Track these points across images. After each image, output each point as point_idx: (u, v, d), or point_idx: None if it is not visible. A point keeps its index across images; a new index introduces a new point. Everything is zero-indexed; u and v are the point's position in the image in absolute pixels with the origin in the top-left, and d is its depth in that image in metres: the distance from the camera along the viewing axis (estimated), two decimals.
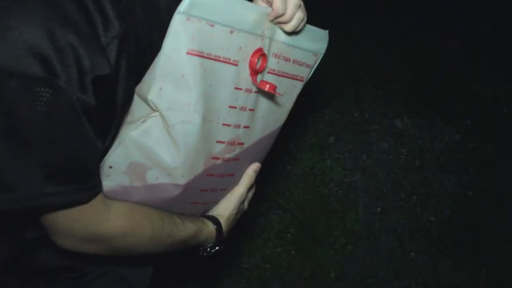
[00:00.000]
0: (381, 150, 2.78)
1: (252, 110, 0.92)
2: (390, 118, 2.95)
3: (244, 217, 1.13)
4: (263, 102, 0.95)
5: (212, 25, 0.77)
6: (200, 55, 0.77)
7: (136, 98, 0.81)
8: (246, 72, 0.86)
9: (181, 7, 0.73)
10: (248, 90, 0.89)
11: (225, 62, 0.82)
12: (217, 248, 1.01)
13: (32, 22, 0.63)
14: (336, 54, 3.32)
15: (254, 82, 0.87)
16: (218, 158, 0.91)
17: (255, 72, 0.87)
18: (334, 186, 2.58)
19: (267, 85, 0.86)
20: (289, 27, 0.87)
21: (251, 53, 0.85)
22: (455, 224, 2.50)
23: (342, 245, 2.36)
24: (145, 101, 0.80)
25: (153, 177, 0.84)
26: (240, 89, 0.87)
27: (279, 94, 0.93)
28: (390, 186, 2.61)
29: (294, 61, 0.96)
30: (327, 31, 1.01)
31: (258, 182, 1.10)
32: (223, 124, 0.88)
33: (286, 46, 0.93)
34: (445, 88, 3.31)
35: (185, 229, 0.91)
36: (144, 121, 0.81)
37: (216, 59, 0.80)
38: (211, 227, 0.98)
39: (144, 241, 0.84)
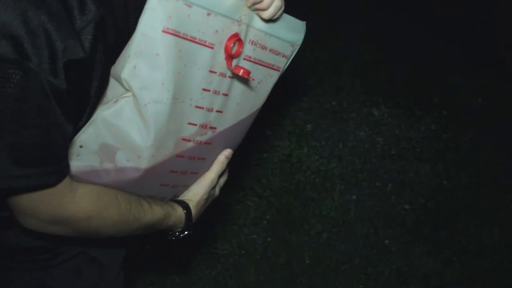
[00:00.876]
0: (358, 138, 2.80)
1: (225, 95, 0.93)
2: (368, 107, 2.97)
3: (220, 203, 1.14)
4: (238, 88, 0.96)
5: (189, 6, 0.78)
6: (176, 34, 0.78)
7: (110, 79, 0.82)
8: (221, 56, 0.87)
9: None
10: (223, 74, 0.90)
11: (200, 44, 0.83)
12: (185, 233, 1.00)
13: (4, 2, 0.63)
14: (316, 42, 3.34)
15: (228, 66, 0.88)
16: (189, 140, 0.92)
17: (230, 56, 0.88)
18: (310, 174, 2.60)
19: (241, 70, 0.87)
20: (266, 14, 0.89)
21: (227, 37, 0.86)
22: (430, 212, 2.53)
23: (318, 232, 2.39)
24: (119, 80, 0.80)
25: (123, 158, 0.85)
26: (215, 72, 0.88)
27: (253, 79, 0.94)
28: (366, 174, 2.63)
29: (270, 50, 0.97)
30: (304, 22, 1.03)
31: (234, 168, 1.11)
32: (196, 106, 0.89)
33: (263, 34, 0.94)
34: (425, 80, 3.34)
35: (153, 213, 0.91)
36: (116, 101, 0.81)
37: (192, 40, 0.81)
38: (180, 212, 0.98)
39: (110, 224, 0.84)
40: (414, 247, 2.40)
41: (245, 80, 0.96)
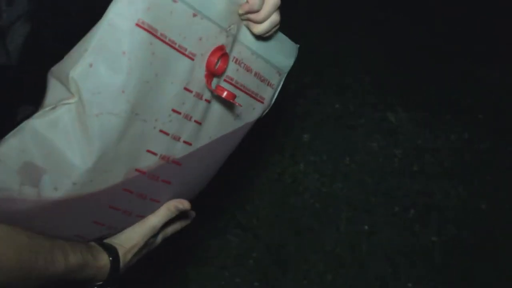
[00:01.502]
0: (369, 151, 2.81)
1: (198, 123, 0.95)
2: (380, 111, 2.99)
3: (192, 237, 1.14)
4: (214, 117, 0.98)
5: (174, 0, 0.80)
6: (152, 32, 0.79)
7: (50, 80, 0.81)
8: (201, 71, 0.88)
9: None
10: (199, 95, 0.91)
11: (179, 51, 0.84)
12: None
13: None
14: (316, 30, 3.35)
15: (208, 86, 0.89)
16: (143, 173, 0.92)
17: (211, 74, 0.89)
18: (309, 198, 2.61)
19: (225, 92, 0.88)
20: (259, 28, 0.91)
21: (211, 49, 0.87)
22: (465, 245, 2.55)
23: (320, 273, 2.39)
24: (63, 81, 0.80)
25: (49, 186, 0.83)
26: (190, 91, 0.89)
27: (240, 105, 0.96)
28: (380, 197, 2.65)
29: (255, 74, 1.00)
30: (297, 46, 1.06)
31: (211, 192, 1.10)
32: (160, 131, 0.89)
33: (250, 53, 0.97)
34: (452, 74, 3.35)
35: (66, 265, 0.89)
36: (54, 108, 0.80)
37: (170, 44, 0.82)
38: (104, 261, 0.97)
39: (3, 279, 0.81)
40: None
41: (224, 109, 0.97)
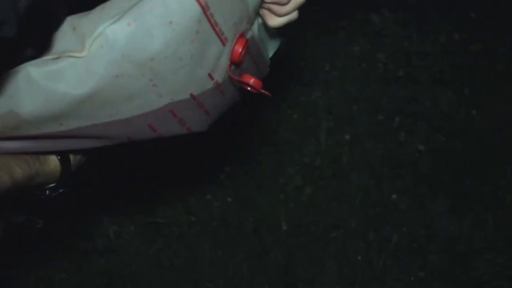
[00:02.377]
0: (351, 56, 2.77)
1: (207, 113, 0.96)
2: (364, 12, 2.92)
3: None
4: (222, 106, 1.00)
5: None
6: (205, 9, 0.79)
7: (65, 27, 0.81)
8: (226, 60, 0.89)
9: None
10: (217, 85, 0.92)
11: (218, 35, 0.84)
12: (61, 191, 1.05)
13: None
14: None
15: (230, 74, 0.91)
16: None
17: (232, 62, 0.91)
18: (286, 108, 2.58)
19: (252, 79, 0.90)
20: (277, 22, 0.93)
21: (236, 35, 0.89)
22: (454, 154, 2.52)
23: (298, 187, 2.39)
24: (81, 33, 0.79)
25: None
26: (212, 79, 0.90)
27: (269, 94, 0.96)
28: (363, 105, 2.62)
29: (255, 63, 1.02)
30: (280, 41, 1.11)
31: None
32: (169, 111, 0.90)
33: (255, 42, 0.98)
34: None
35: (11, 179, 0.92)
36: (56, 58, 0.79)
37: (214, 26, 0.82)
38: (54, 162, 1.01)
39: None
40: (432, 203, 2.39)
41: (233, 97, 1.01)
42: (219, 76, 0.91)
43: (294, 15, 0.96)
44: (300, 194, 2.36)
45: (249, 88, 0.92)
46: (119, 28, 0.77)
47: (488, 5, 3.00)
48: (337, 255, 2.24)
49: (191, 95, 0.90)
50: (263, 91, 0.93)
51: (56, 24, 0.81)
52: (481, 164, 2.50)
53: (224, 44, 0.87)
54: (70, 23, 0.81)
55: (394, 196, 2.38)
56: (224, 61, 0.90)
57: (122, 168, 2.32)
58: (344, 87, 2.66)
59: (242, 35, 0.90)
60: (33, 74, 0.80)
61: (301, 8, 2.83)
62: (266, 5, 0.92)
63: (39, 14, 0.75)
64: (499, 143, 2.56)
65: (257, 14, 0.95)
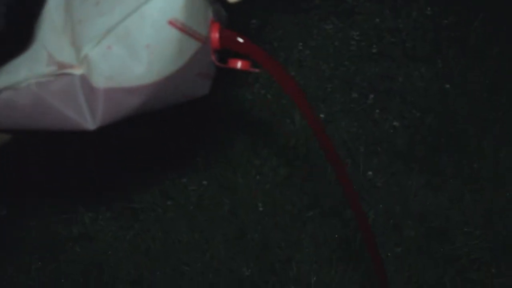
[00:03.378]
0: (324, 34, 2.79)
1: None
2: None
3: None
4: None
5: None
6: (184, 29, 0.79)
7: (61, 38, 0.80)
8: (208, 52, 0.90)
9: None
10: (207, 76, 0.92)
11: (200, 40, 0.85)
12: None
13: None
14: None
15: (216, 62, 0.90)
16: None
17: (213, 50, 0.91)
18: (260, 88, 2.60)
19: (239, 63, 0.90)
20: None
21: (208, 25, 0.89)
22: (428, 129, 2.55)
23: (273, 168, 2.40)
24: (75, 47, 0.79)
25: None
26: (201, 74, 0.90)
27: (257, 70, 0.95)
28: (337, 83, 2.64)
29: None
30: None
31: None
32: None
33: None
34: None
35: None
36: (55, 76, 0.79)
37: (197, 37, 0.83)
38: None
39: None
40: (408, 179, 2.41)
41: None
42: (206, 69, 0.93)
43: None
44: (276, 175, 2.38)
45: (239, 67, 0.90)
46: (100, 51, 0.78)
47: None
48: (314, 234, 2.26)
49: (184, 97, 0.93)
50: (251, 69, 0.90)
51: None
52: (456, 139, 2.52)
53: (204, 42, 0.88)
54: (65, 21, 0.81)
55: (369, 173, 2.40)
56: (207, 55, 0.91)
57: (97, 154, 2.34)
58: (317, 66, 2.68)
59: (212, 20, 0.90)
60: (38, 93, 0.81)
61: None
62: None
63: (28, 7, 0.76)
64: (474, 117, 2.58)
65: None
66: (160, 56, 0.79)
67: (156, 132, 2.45)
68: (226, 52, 0.90)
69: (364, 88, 2.64)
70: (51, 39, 0.81)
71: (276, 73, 0.93)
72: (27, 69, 0.80)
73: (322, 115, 2.53)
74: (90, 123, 0.81)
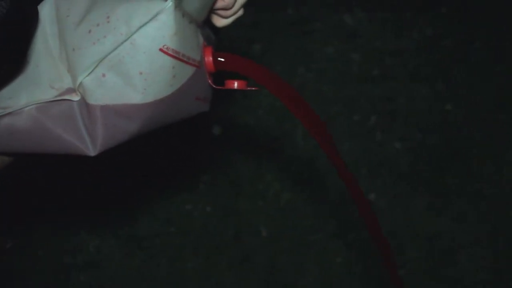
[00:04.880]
0: (326, 57, 2.80)
1: None
2: (338, 13, 2.95)
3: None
4: None
5: (190, 21, 0.83)
6: (176, 56, 0.81)
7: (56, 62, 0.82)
8: (205, 76, 0.92)
9: None
10: (200, 99, 0.94)
11: (194, 65, 0.86)
12: None
13: None
14: None
15: (213, 85, 0.93)
16: None
17: (209, 73, 0.93)
18: (262, 113, 2.61)
19: (235, 84, 0.93)
20: (224, 22, 0.96)
21: (201, 49, 0.90)
22: (431, 150, 2.57)
23: (276, 192, 2.42)
24: (71, 73, 0.81)
25: None
26: (199, 99, 0.93)
27: (256, 88, 0.98)
28: (339, 105, 2.65)
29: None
30: None
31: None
32: None
33: None
34: None
35: None
36: (51, 101, 0.81)
37: (190, 62, 0.84)
38: None
39: None
40: (412, 200, 2.44)
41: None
42: (204, 93, 0.95)
43: (240, 13, 0.98)
44: (279, 199, 2.39)
45: (236, 88, 0.94)
46: (95, 79, 0.80)
47: (458, 0, 3.05)
48: (318, 258, 2.28)
49: (184, 117, 0.94)
50: (249, 88, 0.95)
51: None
52: (459, 159, 2.55)
53: (198, 66, 0.89)
54: (60, 48, 0.83)
55: (372, 195, 2.42)
56: (204, 78, 0.93)
57: (100, 181, 2.37)
58: (319, 89, 2.70)
59: (204, 44, 0.93)
60: (39, 118, 0.83)
61: (274, 12, 2.90)
62: (213, 11, 0.96)
63: (18, 20, 0.74)
64: (476, 137, 2.61)
65: None
66: (154, 82, 0.80)
67: (160, 160, 2.48)
68: (223, 74, 0.92)
69: (366, 110, 2.66)
70: (49, 65, 0.82)
71: (273, 84, 0.97)
72: (27, 94, 0.82)
73: None
74: (91, 150, 0.83)
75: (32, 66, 0.82)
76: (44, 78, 0.82)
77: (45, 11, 0.83)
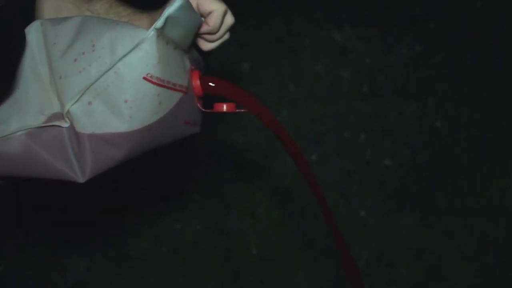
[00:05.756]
0: (315, 74, 2.81)
1: None
2: (326, 29, 2.97)
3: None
4: None
5: (175, 47, 0.84)
6: (161, 84, 0.82)
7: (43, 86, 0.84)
8: (193, 100, 0.93)
9: (158, 23, 0.79)
10: (189, 123, 0.95)
11: (181, 91, 0.87)
12: None
13: None
14: None
15: (203, 109, 0.96)
16: None
17: (198, 97, 0.95)
18: (252, 131, 2.62)
19: (224, 106, 0.95)
20: (209, 46, 0.99)
21: (189, 74, 0.91)
22: (421, 167, 2.60)
23: (266, 210, 2.44)
24: (60, 101, 0.82)
25: None
26: (188, 123, 0.94)
27: (244, 110, 1.02)
28: (329, 123, 2.67)
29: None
30: None
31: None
32: None
33: None
34: None
35: None
36: (41, 127, 0.83)
37: (175, 88, 0.85)
38: None
39: None
40: (402, 217, 2.47)
41: None
42: (193, 117, 0.95)
43: (226, 37, 1.00)
44: (269, 217, 2.41)
45: (224, 110, 0.96)
46: (81, 106, 0.81)
47: (447, 16, 3.08)
48: (309, 276, 2.30)
49: (174, 140, 0.95)
50: (237, 110, 0.97)
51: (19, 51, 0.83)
52: (449, 176, 2.58)
53: (186, 92, 0.89)
54: (50, 75, 0.83)
55: (362, 213, 2.45)
56: (192, 103, 0.93)
57: (90, 200, 2.37)
58: (309, 106, 2.71)
59: (192, 69, 0.93)
60: (29, 144, 0.83)
61: (263, 29, 2.90)
62: (199, 35, 0.96)
63: (5, 44, 0.76)
64: (465, 153, 2.64)
65: None
66: (140, 110, 0.82)
67: (149, 178, 2.48)
68: (212, 97, 0.95)
69: (356, 128, 2.68)
70: (39, 91, 0.83)
71: (256, 110, 1.04)
72: (18, 120, 0.82)
73: (314, 156, 2.56)
74: (80, 177, 0.84)
75: (22, 92, 0.83)
76: (35, 104, 0.83)
77: (32, 36, 0.83)
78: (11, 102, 0.83)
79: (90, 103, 0.80)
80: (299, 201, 2.48)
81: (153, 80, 0.81)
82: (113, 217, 2.38)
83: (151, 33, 0.79)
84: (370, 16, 3.04)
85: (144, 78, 0.80)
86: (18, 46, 0.81)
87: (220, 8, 0.93)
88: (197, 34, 0.95)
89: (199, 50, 1.02)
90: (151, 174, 2.48)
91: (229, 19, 0.97)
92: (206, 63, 1.12)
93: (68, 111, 0.81)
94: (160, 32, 0.80)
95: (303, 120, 2.68)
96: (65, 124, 0.82)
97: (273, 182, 2.50)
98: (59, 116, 0.82)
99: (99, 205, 2.39)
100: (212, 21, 0.93)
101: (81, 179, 0.84)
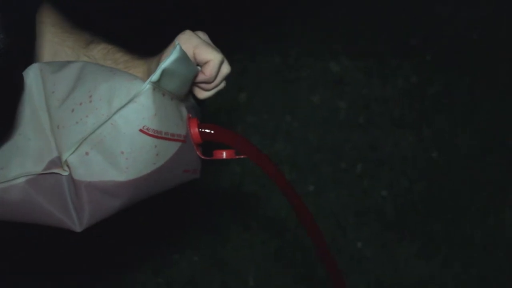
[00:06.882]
0: (312, 105, 2.85)
1: None
2: (323, 60, 3.01)
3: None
4: None
5: (172, 98, 0.85)
6: (157, 135, 0.83)
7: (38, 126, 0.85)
8: (192, 148, 0.95)
9: (154, 76, 0.79)
10: (188, 171, 0.97)
11: (179, 141, 0.88)
12: None
13: None
14: None
15: (202, 156, 0.97)
16: None
17: (197, 145, 0.96)
18: (249, 162, 2.57)
19: (224, 153, 0.97)
20: (205, 95, 1.01)
21: (186, 122, 0.92)
22: (418, 198, 2.63)
23: (263, 241, 2.45)
24: (58, 150, 0.83)
25: None
26: (188, 171, 0.96)
27: (243, 156, 1.03)
28: (325, 154, 2.70)
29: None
30: None
31: None
32: None
33: None
34: (400, 13, 3.35)
35: None
36: (42, 174, 0.84)
37: (173, 138, 0.86)
38: None
39: None
40: (399, 248, 2.50)
41: None
42: (192, 164, 0.97)
43: (222, 85, 1.01)
44: (267, 248, 2.42)
45: (224, 157, 0.97)
46: (78, 156, 0.81)
47: (442, 48, 3.12)
48: None
49: (173, 186, 0.96)
50: (237, 156, 0.98)
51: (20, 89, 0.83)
52: (445, 206, 2.61)
53: (184, 141, 0.90)
54: (50, 122, 0.84)
55: (359, 244, 2.47)
56: (192, 151, 0.94)
57: (86, 235, 2.38)
58: (306, 137, 2.74)
59: (189, 117, 0.93)
60: (24, 185, 0.84)
61: (261, 60, 2.90)
62: (195, 84, 0.97)
63: (3, 87, 0.77)
64: (462, 183, 2.67)
65: None
66: (137, 161, 0.82)
67: (146, 210, 2.49)
68: (211, 144, 0.96)
69: (352, 158, 2.70)
70: (40, 138, 0.84)
71: (254, 156, 1.03)
72: (18, 166, 0.83)
73: (311, 187, 2.59)
74: (77, 226, 0.85)
75: (22, 137, 0.84)
76: (35, 151, 0.84)
77: (31, 79, 0.84)
78: (11, 145, 0.84)
79: (87, 153, 0.81)
80: (296, 231, 2.49)
81: (150, 132, 0.82)
82: (109, 249, 2.37)
83: (147, 86, 0.79)
84: (366, 48, 3.08)
85: (141, 131, 0.81)
86: (18, 90, 0.82)
87: (216, 58, 0.94)
88: (193, 83, 0.97)
89: (195, 97, 1.03)
90: (147, 205, 2.49)
91: (226, 69, 0.98)
92: (202, 108, 1.14)
93: (65, 160, 0.82)
94: (157, 85, 0.81)
95: (299, 151, 2.70)
96: (64, 173, 0.83)
97: (269, 213, 2.52)
98: (58, 163, 0.83)
99: (95, 239, 2.39)
100: (209, 71, 0.94)
101: (78, 229, 0.86)
